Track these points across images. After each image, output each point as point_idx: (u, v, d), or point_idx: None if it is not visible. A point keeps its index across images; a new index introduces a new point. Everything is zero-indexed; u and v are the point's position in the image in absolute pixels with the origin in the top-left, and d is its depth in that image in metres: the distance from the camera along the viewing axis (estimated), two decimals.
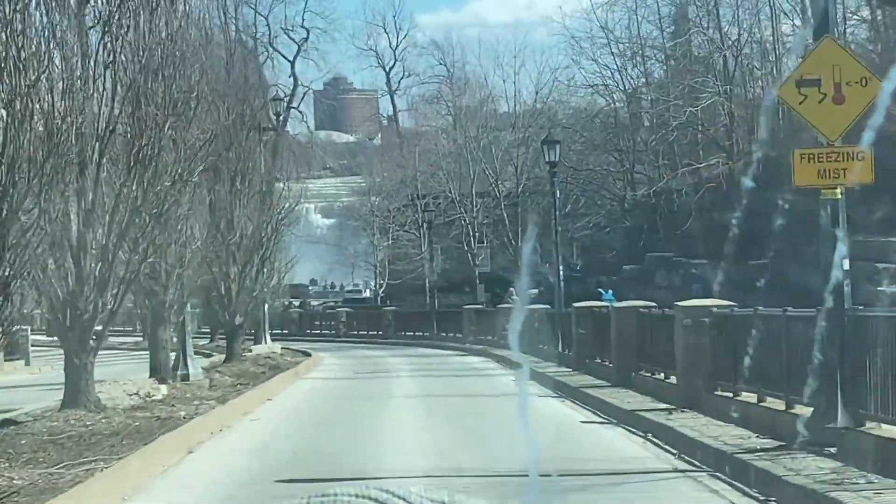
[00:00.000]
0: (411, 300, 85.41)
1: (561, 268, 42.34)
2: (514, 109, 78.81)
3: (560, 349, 40.62)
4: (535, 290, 63.49)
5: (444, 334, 64.06)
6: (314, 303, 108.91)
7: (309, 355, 53.77)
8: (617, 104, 67.00)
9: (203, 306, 69.17)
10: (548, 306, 47.82)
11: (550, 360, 40.48)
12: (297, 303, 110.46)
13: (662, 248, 57.54)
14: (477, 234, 78.51)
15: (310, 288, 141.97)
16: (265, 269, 42.94)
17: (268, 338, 55.08)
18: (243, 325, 42.23)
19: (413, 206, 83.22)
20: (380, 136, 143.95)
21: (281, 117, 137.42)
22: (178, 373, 31.45)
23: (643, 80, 66.07)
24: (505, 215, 78.74)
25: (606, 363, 32.07)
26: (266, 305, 55.16)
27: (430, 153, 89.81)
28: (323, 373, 41.60)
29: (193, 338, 74.46)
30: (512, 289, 58.73)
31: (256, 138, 43.61)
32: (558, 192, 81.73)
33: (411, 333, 68.46)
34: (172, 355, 33.08)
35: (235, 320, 40.75)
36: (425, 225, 75.55)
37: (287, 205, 44.09)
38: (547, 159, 41.34)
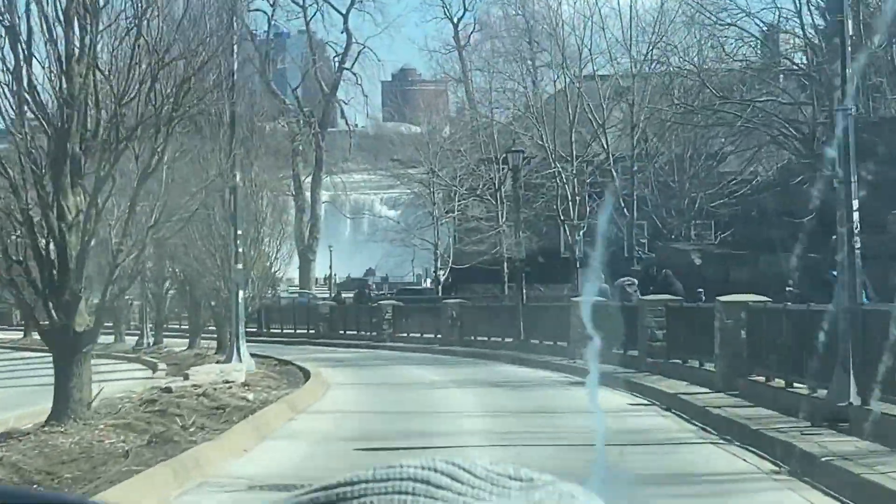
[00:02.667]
0: (483, 291, 61.04)
1: (857, 231, 17.88)
2: (630, 35, 53.73)
3: (862, 397, 16.11)
4: (631, 281, 39.39)
5: (535, 342, 39.68)
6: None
7: (307, 377, 29.77)
8: None
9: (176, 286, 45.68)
10: (764, 300, 23.39)
11: (818, 418, 16.11)
12: (350, 295, 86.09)
13: None
14: (577, 199, 53.83)
15: (368, 279, 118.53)
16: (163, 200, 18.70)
17: (242, 348, 30.95)
18: (96, 333, 17.71)
19: (486, 162, 58.70)
20: (448, 127, 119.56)
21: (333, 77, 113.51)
22: None
23: None
24: (614, 173, 54.11)
25: None
26: (241, 294, 30.99)
27: (508, 105, 65.08)
28: (283, 449, 17.05)
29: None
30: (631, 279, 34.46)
31: None
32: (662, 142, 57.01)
33: (484, 338, 44.09)
34: None
35: (76, 320, 16.31)
36: (507, 181, 51.08)
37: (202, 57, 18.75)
38: None
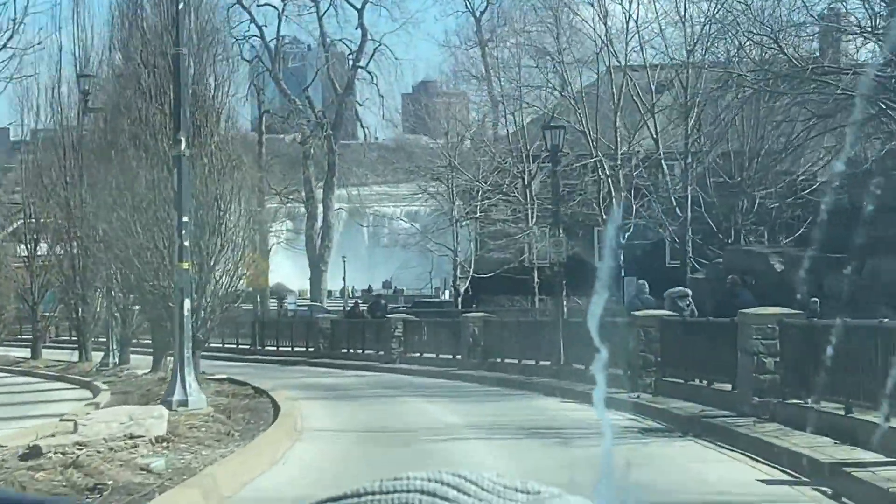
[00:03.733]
0: (509, 304, 52.18)
1: None
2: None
3: None
4: (683, 292, 30.73)
5: (579, 366, 30.69)
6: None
7: (273, 416, 21.07)
8: None
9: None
10: None
11: None
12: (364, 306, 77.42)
13: None
14: (623, 196, 44.90)
15: (383, 291, 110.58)
16: None
17: (188, 377, 22.10)
18: None
19: (514, 154, 49.80)
20: (470, 141, 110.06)
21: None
22: None
23: None
24: (664, 167, 45.24)
25: None
26: (187, 304, 22.11)
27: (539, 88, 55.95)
28: None
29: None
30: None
31: None
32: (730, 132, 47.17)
33: (514, 361, 35.17)
34: None
35: None
36: (538, 177, 42.22)
37: None
38: None
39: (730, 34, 39.73)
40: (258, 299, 69.02)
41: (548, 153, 32.77)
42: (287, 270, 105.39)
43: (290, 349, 50.79)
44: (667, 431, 20.01)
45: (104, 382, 35.07)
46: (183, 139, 21.81)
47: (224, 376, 36.34)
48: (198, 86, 25.18)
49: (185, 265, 22.04)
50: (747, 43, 37.98)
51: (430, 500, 0.99)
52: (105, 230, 33.61)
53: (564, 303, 35.46)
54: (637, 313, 26.85)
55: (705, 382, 23.76)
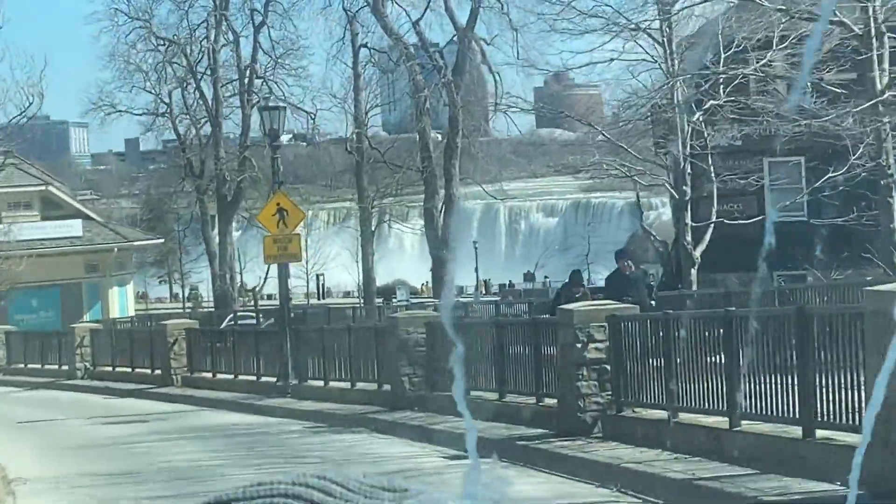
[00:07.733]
0: (751, 277, 23.56)
1: None
2: None
3: None
4: None
5: None
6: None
7: None
8: None
9: None
10: None
11: None
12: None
13: None
14: None
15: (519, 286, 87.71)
16: None
17: None
18: None
19: None
20: (602, 135, 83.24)
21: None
22: None
23: None
24: None
25: None
26: None
27: None
28: None
29: None
30: None
31: None
32: None
33: None
34: None
35: None
36: None
37: None
38: None
39: None
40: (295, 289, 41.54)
41: None
42: (417, 267, 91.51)
43: (349, 385, 23.20)
44: None
45: None
46: None
47: None
48: None
49: None
50: None
51: None
52: None
53: None
54: None
55: None
